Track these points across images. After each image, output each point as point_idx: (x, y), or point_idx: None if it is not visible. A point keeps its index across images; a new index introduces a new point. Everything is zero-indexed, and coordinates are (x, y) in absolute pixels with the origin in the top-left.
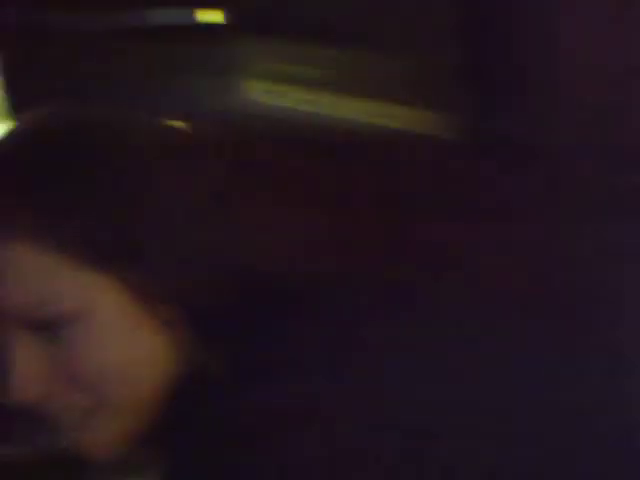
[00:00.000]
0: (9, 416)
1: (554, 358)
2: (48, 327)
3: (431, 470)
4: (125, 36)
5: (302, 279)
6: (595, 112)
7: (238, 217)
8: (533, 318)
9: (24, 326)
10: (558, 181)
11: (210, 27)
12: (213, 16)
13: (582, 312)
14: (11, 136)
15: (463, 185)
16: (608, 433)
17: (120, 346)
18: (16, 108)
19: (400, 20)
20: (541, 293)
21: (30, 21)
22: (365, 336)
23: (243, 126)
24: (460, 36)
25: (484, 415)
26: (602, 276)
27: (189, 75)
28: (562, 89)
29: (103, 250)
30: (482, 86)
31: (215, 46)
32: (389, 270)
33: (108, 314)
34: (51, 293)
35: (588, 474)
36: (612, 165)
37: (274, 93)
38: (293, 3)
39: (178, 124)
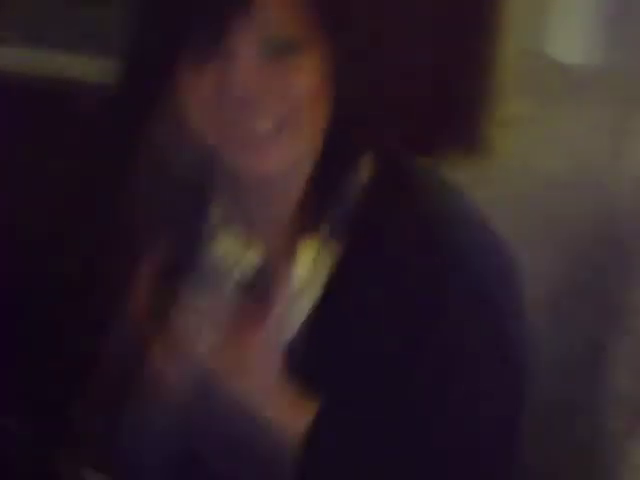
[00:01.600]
0: None
1: None
2: (278, 48)
3: None
4: None
5: None
6: None
7: None
8: None
9: (258, 42)
10: None
11: None
12: None
13: None
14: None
15: None
16: None
17: (318, 79)
18: None
19: None
20: None
21: None
22: None
23: None
24: None
25: None
26: None
27: None
28: None
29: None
30: None
31: None
32: None
33: (317, 55)
34: (295, 17)
35: None
36: None
37: None
38: None
39: None
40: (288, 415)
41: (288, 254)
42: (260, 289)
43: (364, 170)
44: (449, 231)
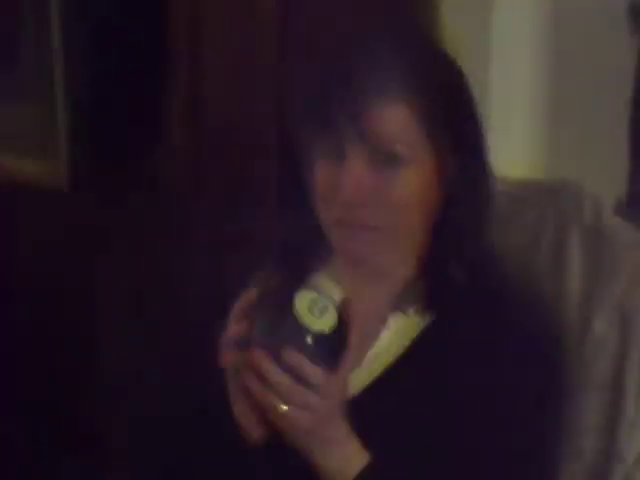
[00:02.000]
0: None
1: None
2: (384, 160)
3: None
4: None
5: None
6: None
7: None
8: None
9: (367, 150)
10: None
11: None
12: None
13: None
14: None
15: None
16: None
17: (421, 189)
18: None
19: None
20: None
21: None
22: None
23: None
24: None
25: None
26: None
27: None
28: None
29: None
30: None
31: None
32: None
33: (423, 168)
34: (402, 136)
35: None
36: None
37: None
38: None
39: None
40: (341, 467)
41: (376, 323)
42: (340, 345)
43: (453, 265)
44: (515, 312)
